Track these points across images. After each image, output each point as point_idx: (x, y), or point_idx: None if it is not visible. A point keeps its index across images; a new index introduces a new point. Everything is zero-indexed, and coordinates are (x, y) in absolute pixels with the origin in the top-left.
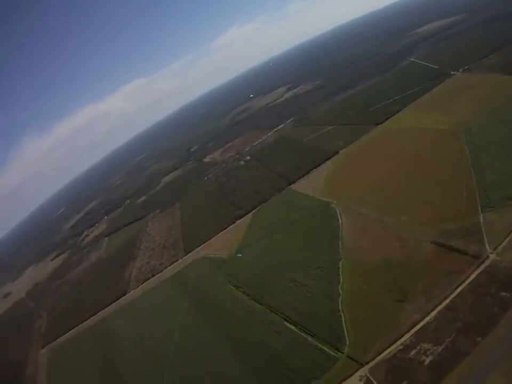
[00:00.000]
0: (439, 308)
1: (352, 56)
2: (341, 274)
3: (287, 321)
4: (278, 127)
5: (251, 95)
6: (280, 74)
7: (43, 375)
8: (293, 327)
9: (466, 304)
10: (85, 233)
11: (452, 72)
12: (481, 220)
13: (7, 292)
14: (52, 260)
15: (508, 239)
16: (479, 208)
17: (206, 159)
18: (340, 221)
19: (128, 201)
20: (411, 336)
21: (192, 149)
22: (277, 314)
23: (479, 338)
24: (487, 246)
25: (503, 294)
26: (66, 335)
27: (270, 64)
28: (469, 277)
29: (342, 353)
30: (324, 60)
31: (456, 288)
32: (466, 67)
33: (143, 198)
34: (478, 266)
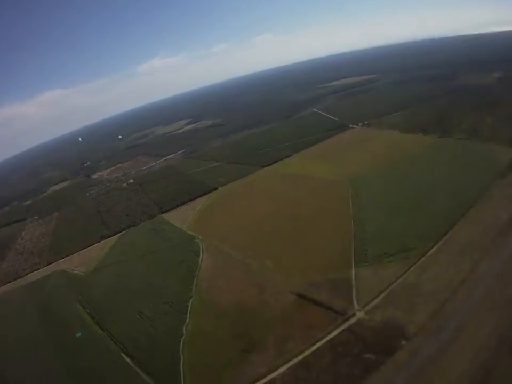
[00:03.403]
0: (290, 363)
1: (259, 100)
2: (188, 313)
3: (124, 352)
4: (168, 157)
5: (119, 136)
6: (189, 108)
7: None
8: (128, 360)
9: (323, 362)
10: None
11: (351, 125)
12: (353, 275)
13: None
14: None
15: (380, 297)
16: (353, 261)
17: (95, 176)
18: (201, 257)
19: (16, 202)
20: None
21: (85, 164)
22: (115, 343)
23: None
24: (355, 302)
25: (367, 355)
26: None
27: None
28: (329, 333)
29: None
30: (231, 101)
31: (314, 344)
32: (366, 122)
33: (29, 201)
34: (342, 323)
